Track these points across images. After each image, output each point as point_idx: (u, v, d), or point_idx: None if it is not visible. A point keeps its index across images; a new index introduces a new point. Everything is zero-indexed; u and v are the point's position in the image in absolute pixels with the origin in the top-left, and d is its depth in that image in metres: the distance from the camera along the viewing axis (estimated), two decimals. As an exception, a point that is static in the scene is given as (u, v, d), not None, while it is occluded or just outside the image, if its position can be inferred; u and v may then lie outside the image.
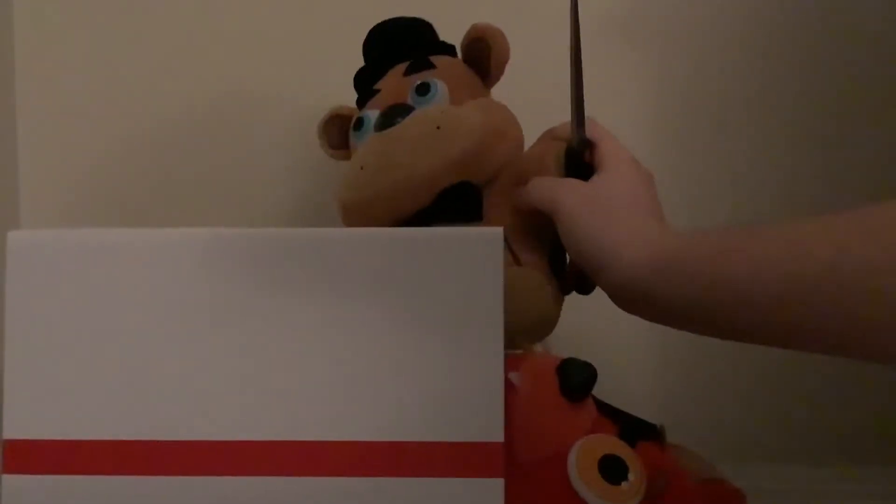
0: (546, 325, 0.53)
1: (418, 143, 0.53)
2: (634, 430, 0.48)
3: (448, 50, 0.60)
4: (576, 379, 0.46)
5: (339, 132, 0.62)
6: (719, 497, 0.48)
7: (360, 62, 0.62)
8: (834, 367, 0.73)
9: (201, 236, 0.44)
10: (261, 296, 0.43)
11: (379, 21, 0.61)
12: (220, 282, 0.43)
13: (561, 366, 0.47)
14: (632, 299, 0.48)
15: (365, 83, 0.60)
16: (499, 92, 0.60)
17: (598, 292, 0.55)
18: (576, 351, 0.54)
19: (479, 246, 0.43)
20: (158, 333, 0.43)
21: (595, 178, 0.52)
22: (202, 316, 0.43)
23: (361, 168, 0.55)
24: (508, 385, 0.44)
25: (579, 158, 0.53)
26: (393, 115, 0.55)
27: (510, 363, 0.44)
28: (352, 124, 0.59)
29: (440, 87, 0.56)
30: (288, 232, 0.44)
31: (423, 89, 0.56)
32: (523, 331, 0.51)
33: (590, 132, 0.54)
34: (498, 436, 0.42)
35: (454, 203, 0.53)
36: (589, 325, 0.55)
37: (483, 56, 0.58)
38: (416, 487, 0.42)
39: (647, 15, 0.77)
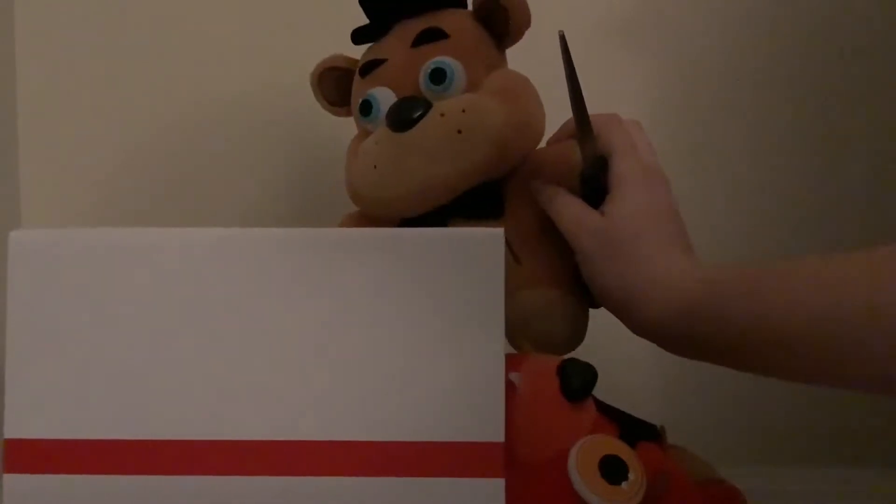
0: (568, 341, 0.53)
1: (437, 150, 0.49)
2: (635, 430, 0.48)
3: (459, 1, 0.55)
4: (576, 380, 0.47)
5: (336, 86, 0.57)
6: (719, 498, 0.48)
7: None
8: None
9: (202, 236, 0.44)
10: (261, 295, 0.43)
11: None
12: (221, 281, 0.43)
13: (561, 366, 0.47)
14: (661, 343, 0.48)
15: (367, 39, 0.55)
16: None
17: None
18: (576, 351, 0.54)
19: (480, 246, 0.43)
20: (160, 333, 0.43)
21: (608, 207, 0.50)
22: (203, 315, 0.43)
23: (375, 167, 0.51)
24: (509, 385, 0.44)
25: (595, 181, 0.51)
26: (407, 112, 0.50)
27: (510, 363, 0.44)
28: (358, 106, 0.54)
29: (457, 72, 0.51)
30: (288, 232, 0.44)
31: (439, 77, 0.51)
32: (554, 351, 0.51)
33: (603, 141, 0.52)
34: (498, 436, 0.42)
35: (474, 202, 0.51)
36: (589, 326, 0.55)
37: (500, 20, 0.53)
38: (415, 487, 0.42)
39: (647, 16, 0.77)
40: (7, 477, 0.43)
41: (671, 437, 0.51)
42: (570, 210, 0.51)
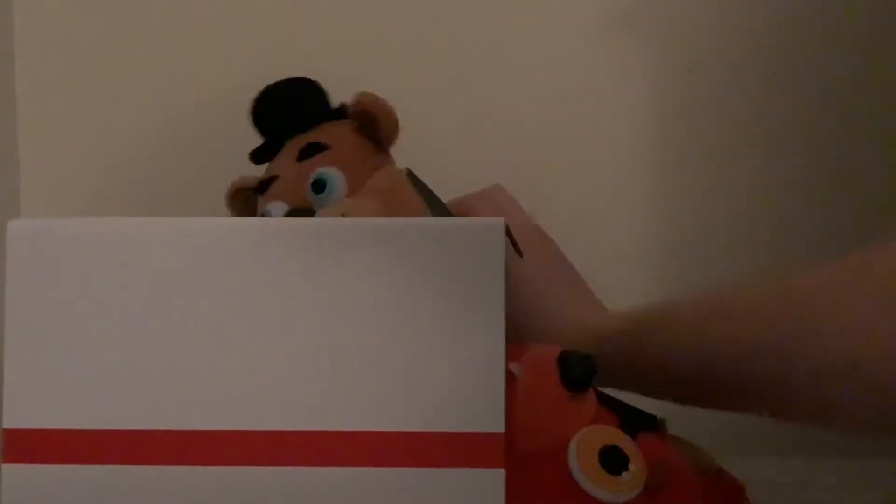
0: None
1: None
2: (635, 421, 0.48)
3: (339, 113, 0.60)
4: (577, 370, 0.46)
5: (246, 205, 0.62)
6: (719, 488, 0.48)
7: (366, 59, 0.61)
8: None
9: (203, 225, 0.44)
10: (259, 285, 0.43)
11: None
12: (222, 271, 0.43)
13: (562, 357, 0.47)
14: None
15: (264, 158, 0.61)
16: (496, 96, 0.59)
17: (597, 288, 0.56)
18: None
19: (480, 236, 0.43)
20: (160, 322, 0.43)
21: None
22: (204, 305, 0.43)
23: None
24: (509, 376, 0.44)
25: None
26: None
27: (510, 354, 0.44)
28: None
29: (336, 180, 0.56)
30: (289, 221, 0.44)
31: (320, 187, 0.56)
32: None
33: None
34: (499, 426, 0.42)
35: None
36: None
37: (372, 127, 0.58)
38: (415, 478, 0.42)
39: (651, 9, 0.77)
40: (6, 467, 0.43)
41: (671, 427, 0.51)
42: None
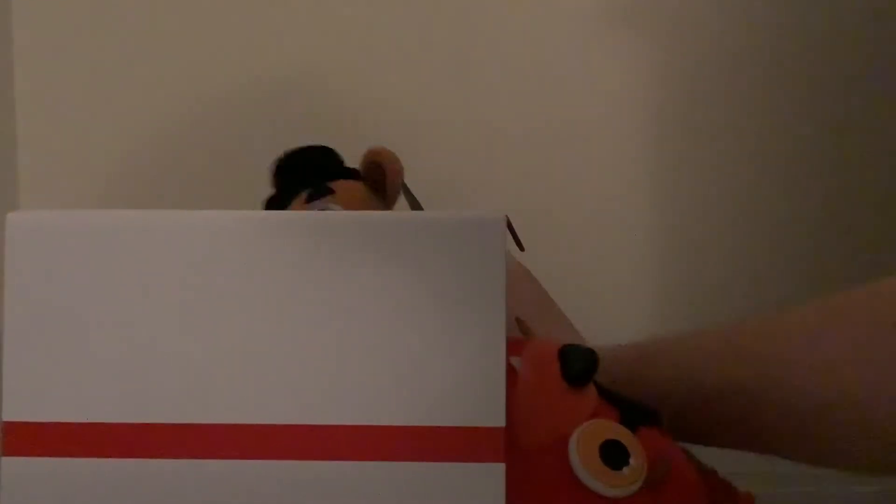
0: None
1: None
2: (636, 415, 0.48)
3: (352, 174, 0.62)
4: (578, 364, 0.46)
5: None
6: (719, 482, 0.48)
7: (366, 59, 0.61)
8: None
9: (204, 218, 0.43)
10: (261, 278, 0.43)
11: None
12: (222, 265, 0.43)
13: (562, 351, 0.47)
14: None
15: (275, 209, 0.63)
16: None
17: (599, 285, 0.56)
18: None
19: (481, 230, 0.43)
20: (160, 315, 0.42)
21: None
22: (204, 298, 0.43)
23: None
24: (509, 370, 0.44)
25: None
26: None
27: (511, 348, 0.44)
28: None
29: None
30: (290, 215, 0.44)
31: None
32: None
33: None
34: (499, 420, 0.42)
35: None
36: (591, 312, 0.55)
37: (379, 178, 0.60)
38: (415, 472, 0.42)
39: (651, 8, 0.77)
40: (5, 460, 0.42)
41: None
42: None
